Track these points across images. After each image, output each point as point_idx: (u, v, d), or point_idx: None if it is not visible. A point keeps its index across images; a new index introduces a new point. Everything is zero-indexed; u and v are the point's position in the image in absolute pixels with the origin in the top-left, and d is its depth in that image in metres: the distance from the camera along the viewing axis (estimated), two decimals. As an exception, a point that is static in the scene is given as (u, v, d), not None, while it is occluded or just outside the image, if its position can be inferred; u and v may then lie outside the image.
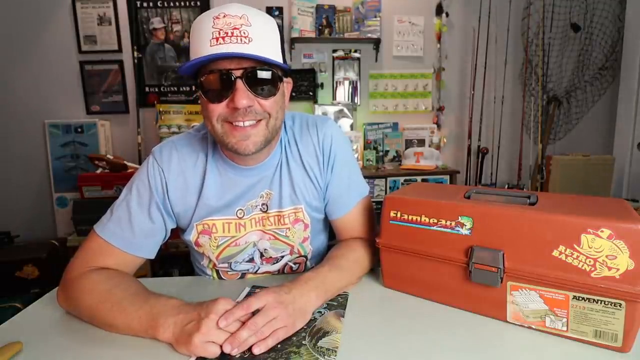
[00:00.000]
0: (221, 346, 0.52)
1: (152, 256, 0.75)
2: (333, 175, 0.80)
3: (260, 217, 0.78)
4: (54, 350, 0.57)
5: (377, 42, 2.66)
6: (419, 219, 0.66)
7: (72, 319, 0.66)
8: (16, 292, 1.84)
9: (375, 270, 0.81)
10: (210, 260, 0.82)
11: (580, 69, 2.76)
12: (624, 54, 2.52)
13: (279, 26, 0.70)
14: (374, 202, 0.88)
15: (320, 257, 0.83)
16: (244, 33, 0.61)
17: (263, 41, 0.63)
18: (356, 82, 2.76)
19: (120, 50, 2.59)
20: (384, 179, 2.52)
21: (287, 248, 0.82)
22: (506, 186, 2.77)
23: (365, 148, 2.75)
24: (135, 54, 2.58)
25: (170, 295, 0.62)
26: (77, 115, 2.60)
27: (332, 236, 0.91)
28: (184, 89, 2.68)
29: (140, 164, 1.86)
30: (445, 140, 2.86)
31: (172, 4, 2.59)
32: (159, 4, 2.58)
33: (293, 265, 0.86)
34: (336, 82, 2.76)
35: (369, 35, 2.60)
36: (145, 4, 2.57)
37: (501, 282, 0.58)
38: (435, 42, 2.78)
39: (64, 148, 2.51)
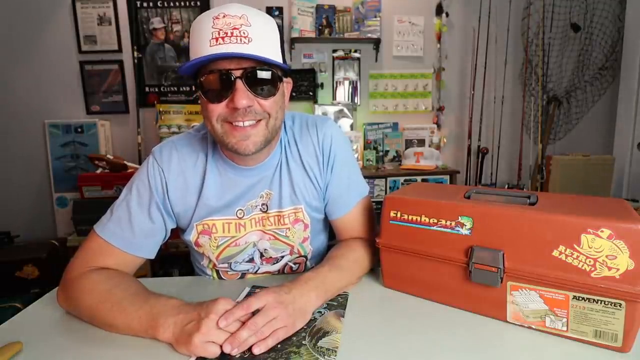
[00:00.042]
0: (221, 346, 0.52)
1: (152, 256, 0.75)
2: (333, 175, 0.80)
3: (260, 217, 0.78)
4: (54, 350, 0.57)
5: (377, 42, 2.66)
6: (419, 219, 0.66)
7: (72, 319, 0.66)
8: (16, 292, 1.84)
9: (375, 270, 0.81)
10: (210, 261, 0.82)
11: (580, 69, 2.76)
12: (624, 54, 2.52)
13: (278, 26, 0.70)
14: (374, 202, 0.88)
15: (320, 257, 0.83)
16: (244, 33, 0.61)
17: (263, 41, 0.63)
18: (356, 82, 2.76)
19: (120, 50, 2.59)
20: (384, 179, 2.52)
21: (287, 248, 0.82)
22: (506, 186, 2.77)
23: (365, 148, 2.75)
24: (135, 54, 2.58)
25: (170, 295, 0.62)
26: (77, 115, 2.60)
27: (332, 236, 0.91)
28: (184, 89, 2.68)
29: (140, 164, 1.86)
30: (445, 140, 2.86)
31: (172, 4, 2.59)
32: (159, 4, 2.58)
33: (293, 266, 0.86)
34: (336, 82, 2.76)
35: (369, 35, 2.60)
36: (145, 4, 2.57)
37: (501, 282, 0.58)
38: (435, 42, 2.78)
39: (64, 148, 2.51)
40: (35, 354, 0.56)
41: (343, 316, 0.64)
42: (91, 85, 2.60)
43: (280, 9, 2.63)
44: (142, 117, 2.64)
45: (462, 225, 0.62)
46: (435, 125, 2.82)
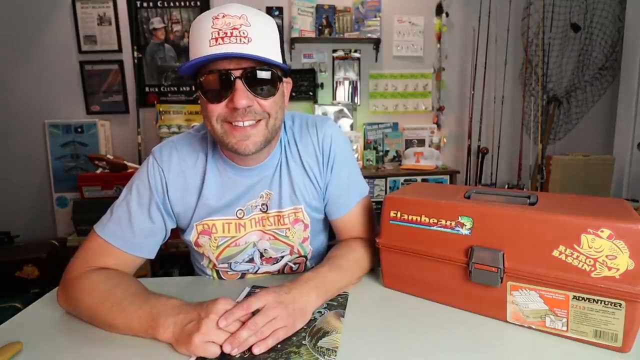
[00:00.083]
0: (221, 346, 0.52)
1: (152, 256, 0.75)
2: (333, 176, 0.80)
3: (260, 218, 0.78)
4: (54, 350, 0.57)
5: (377, 42, 2.66)
6: (419, 219, 0.66)
7: (72, 319, 0.66)
8: (16, 292, 1.84)
9: (375, 270, 0.81)
10: (210, 261, 0.82)
11: (580, 69, 2.76)
12: (624, 54, 2.52)
13: (278, 26, 0.70)
14: (374, 202, 0.88)
15: (320, 257, 0.83)
16: (243, 33, 0.61)
17: (262, 41, 0.63)
18: (356, 82, 2.76)
19: (120, 50, 2.59)
20: (384, 179, 2.52)
21: (287, 248, 0.82)
22: (506, 186, 2.77)
23: (365, 148, 2.75)
24: (135, 54, 2.58)
25: (170, 295, 0.62)
26: (77, 115, 2.60)
27: (332, 236, 0.91)
28: (184, 89, 2.68)
29: (140, 164, 1.86)
30: (445, 140, 2.86)
31: (172, 4, 2.59)
32: (159, 4, 2.58)
33: (293, 266, 0.86)
34: (336, 82, 2.76)
35: (369, 35, 2.60)
36: (145, 4, 2.57)
37: (501, 282, 0.58)
38: (435, 42, 2.78)
39: (64, 148, 2.51)
40: (35, 354, 0.56)
41: (343, 316, 0.64)
42: (91, 85, 2.60)
43: (280, 9, 2.63)
44: (142, 117, 2.64)
45: (462, 225, 0.62)
46: (435, 125, 2.82)
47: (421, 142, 2.78)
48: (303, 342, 0.56)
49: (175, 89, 2.67)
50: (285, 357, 0.53)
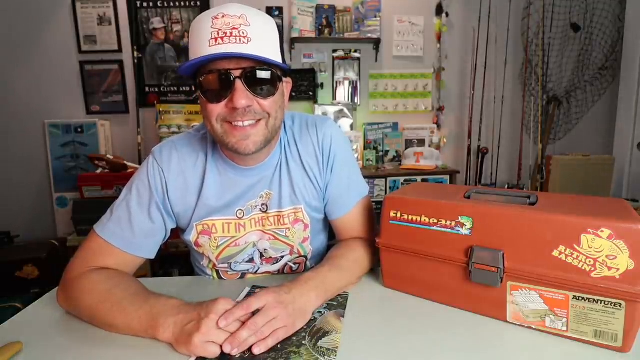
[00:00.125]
0: (221, 346, 0.52)
1: (152, 256, 0.75)
2: (333, 176, 0.80)
3: (260, 218, 0.78)
4: (54, 350, 0.57)
5: (377, 42, 2.66)
6: (419, 219, 0.66)
7: (72, 319, 0.66)
8: (16, 292, 1.84)
9: (375, 270, 0.81)
10: (210, 261, 0.82)
11: (580, 69, 2.76)
12: (624, 54, 2.52)
13: (278, 26, 0.70)
14: (374, 202, 0.88)
15: (320, 257, 0.83)
16: (243, 33, 0.61)
17: (262, 41, 0.63)
18: (356, 82, 2.76)
19: (120, 50, 2.59)
20: (384, 179, 2.52)
21: (287, 248, 0.82)
22: (506, 186, 2.77)
23: (365, 148, 2.75)
24: (135, 54, 2.58)
25: (170, 295, 0.62)
26: (77, 115, 2.60)
27: (332, 236, 0.91)
28: (184, 89, 2.68)
29: (140, 164, 1.86)
30: (445, 140, 2.86)
31: (172, 4, 2.59)
32: (159, 4, 2.58)
33: (293, 266, 0.86)
34: (336, 82, 2.76)
35: (369, 35, 2.60)
36: (145, 4, 2.57)
37: (501, 282, 0.58)
38: (435, 42, 2.78)
39: (64, 148, 2.51)
40: (35, 354, 0.56)
41: (343, 316, 0.64)
42: (91, 85, 2.60)
43: (280, 9, 2.63)
44: (142, 117, 2.64)
45: (462, 225, 0.62)
46: (435, 125, 2.82)
47: (421, 142, 2.78)
48: (303, 342, 0.56)
49: (175, 89, 2.67)
50: (285, 357, 0.53)
